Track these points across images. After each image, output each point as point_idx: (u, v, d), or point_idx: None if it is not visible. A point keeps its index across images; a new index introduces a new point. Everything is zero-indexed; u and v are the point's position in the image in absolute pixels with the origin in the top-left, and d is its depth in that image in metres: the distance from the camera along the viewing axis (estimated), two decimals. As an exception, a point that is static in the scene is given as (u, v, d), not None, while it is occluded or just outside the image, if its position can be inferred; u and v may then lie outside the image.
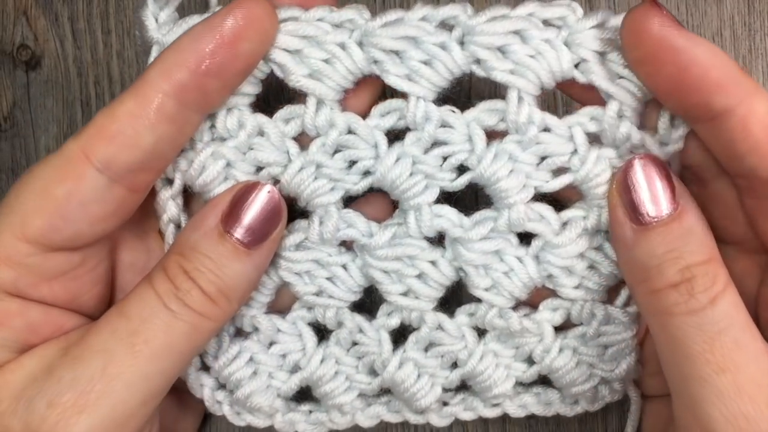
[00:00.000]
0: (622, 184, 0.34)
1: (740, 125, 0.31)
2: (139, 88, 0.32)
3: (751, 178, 0.32)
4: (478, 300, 0.37)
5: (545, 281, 0.37)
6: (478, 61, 0.34)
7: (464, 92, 0.36)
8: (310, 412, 0.40)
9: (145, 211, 0.38)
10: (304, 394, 0.40)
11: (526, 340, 0.38)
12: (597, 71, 0.34)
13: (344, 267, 0.37)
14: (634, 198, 0.33)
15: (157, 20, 0.34)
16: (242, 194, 0.35)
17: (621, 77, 0.34)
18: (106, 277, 0.37)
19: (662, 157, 0.35)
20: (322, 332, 0.39)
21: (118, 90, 0.45)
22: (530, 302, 0.38)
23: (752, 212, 0.34)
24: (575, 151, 0.35)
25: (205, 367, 0.39)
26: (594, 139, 0.35)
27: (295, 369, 0.39)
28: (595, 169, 0.35)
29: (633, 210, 0.33)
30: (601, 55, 0.34)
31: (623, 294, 0.38)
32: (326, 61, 0.35)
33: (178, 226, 0.37)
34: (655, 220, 0.33)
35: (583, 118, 0.35)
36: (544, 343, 0.38)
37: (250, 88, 0.35)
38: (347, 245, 0.38)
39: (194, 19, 0.34)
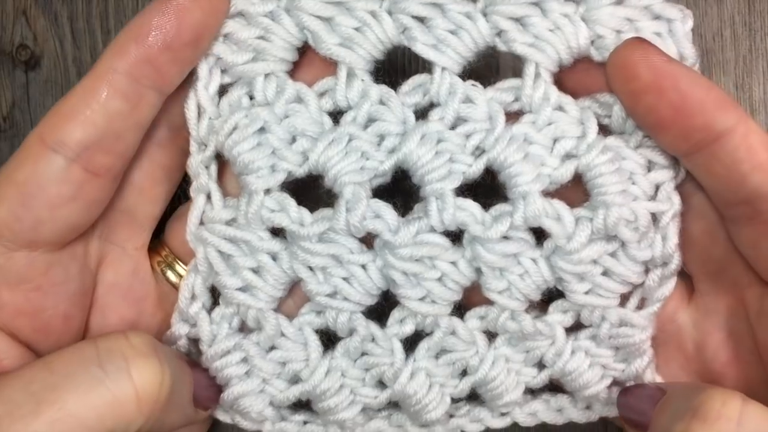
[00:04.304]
0: (623, 417, 0.36)
1: (743, 143, 0.32)
2: (93, 68, 0.33)
3: (755, 200, 0.32)
4: (489, 303, 0.37)
5: (557, 283, 0.36)
6: (499, 35, 0.35)
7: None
8: (305, 422, 0.38)
9: (133, 229, 0.38)
10: (299, 402, 0.38)
11: (537, 343, 0.37)
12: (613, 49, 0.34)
13: (363, 267, 0.36)
14: (633, 418, 0.35)
15: None
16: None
17: None
18: (76, 298, 0.36)
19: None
20: (326, 341, 0.38)
21: (117, 90, 0.45)
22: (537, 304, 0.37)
23: (753, 242, 0.34)
24: (583, 135, 0.35)
25: (198, 351, 0.37)
26: (602, 130, 0.35)
27: (295, 380, 0.37)
28: (601, 158, 0.34)
29: (637, 425, 0.35)
30: (618, 33, 0.34)
31: (635, 297, 0.37)
32: (357, 29, 0.35)
33: (207, 197, 0.36)
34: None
35: (594, 103, 0.35)
36: (557, 345, 0.37)
37: (287, 54, 0.35)
38: (368, 244, 0.36)
39: None
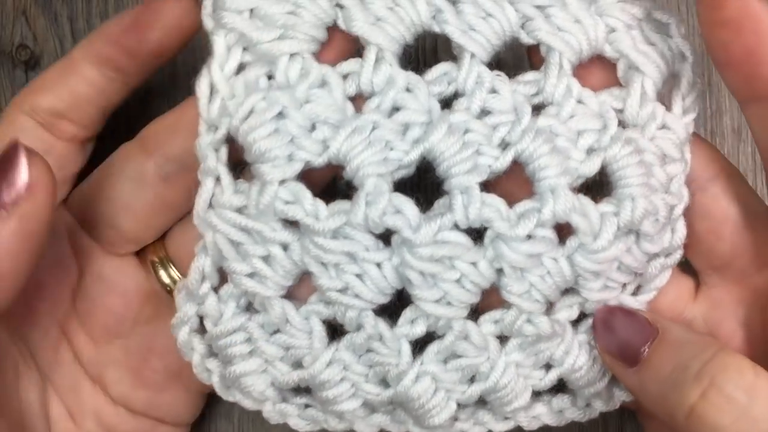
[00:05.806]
0: (600, 344, 0.35)
1: None
2: (67, 54, 0.37)
3: None
4: (504, 304, 0.35)
5: (573, 283, 0.35)
6: (523, 26, 0.34)
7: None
8: (306, 406, 0.37)
9: (123, 245, 0.38)
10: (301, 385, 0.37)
11: (549, 344, 0.35)
12: (627, 42, 0.34)
13: (378, 265, 0.34)
14: (617, 348, 0.34)
15: None
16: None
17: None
18: (54, 269, 0.37)
19: (684, 128, 0.35)
20: (333, 329, 0.36)
21: (118, 90, 0.45)
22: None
23: None
24: (605, 128, 0.34)
25: (203, 329, 0.36)
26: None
27: (297, 365, 0.36)
28: (625, 150, 0.34)
29: (624, 358, 0.34)
30: (628, 28, 0.35)
31: (633, 284, 0.36)
32: (390, 9, 0.34)
33: (216, 180, 0.34)
34: (645, 352, 0.33)
35: (609, 96, 0.35)
36: (565, 343, 0.35)
37: (317, 32, 0.33)
38: (384, 240, 0.34)
39: None
